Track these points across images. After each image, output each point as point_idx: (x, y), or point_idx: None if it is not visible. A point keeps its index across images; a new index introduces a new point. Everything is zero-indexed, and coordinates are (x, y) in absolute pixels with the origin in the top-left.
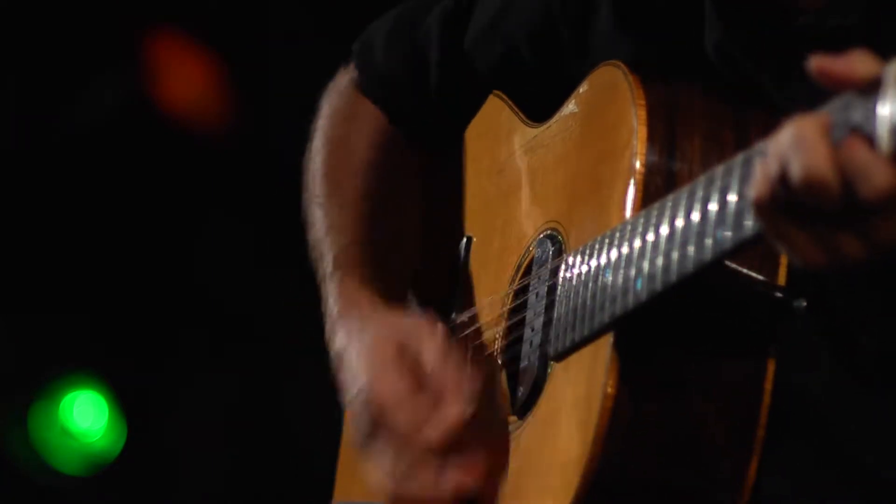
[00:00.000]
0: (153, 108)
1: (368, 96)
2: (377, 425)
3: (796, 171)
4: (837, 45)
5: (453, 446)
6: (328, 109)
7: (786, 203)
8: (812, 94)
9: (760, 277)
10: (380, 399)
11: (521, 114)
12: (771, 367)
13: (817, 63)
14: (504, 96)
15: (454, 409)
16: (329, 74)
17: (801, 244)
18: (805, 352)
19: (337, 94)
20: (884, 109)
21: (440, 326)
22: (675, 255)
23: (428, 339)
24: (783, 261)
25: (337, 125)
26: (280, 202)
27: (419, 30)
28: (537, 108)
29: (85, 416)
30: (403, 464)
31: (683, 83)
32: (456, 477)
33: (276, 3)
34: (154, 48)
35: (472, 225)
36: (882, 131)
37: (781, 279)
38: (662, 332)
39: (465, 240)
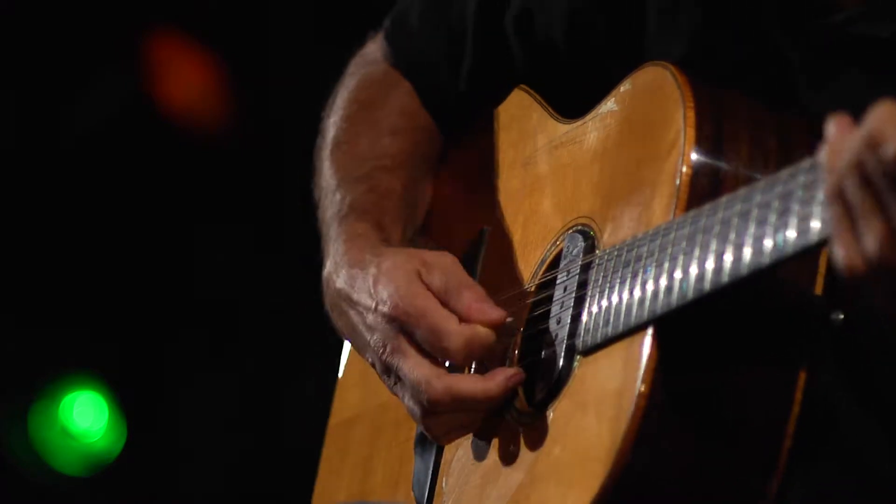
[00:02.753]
0: (153, 108)
1: (400, 69)
2: (404, 335)
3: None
4: (873, 49)
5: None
6: (356, 73)
7: (866, 181)
8: (847, 95)
9: (799, 287)
10: (405, 307)
11: (549, 108)
12: (802, 377)
13: None
14: (530, 90)
15: (483, 332)
16: (329, 74)
17: (874, 231)
18: (837, 365)
19: (367, 62)
20: None
21: (457, 262)
22: (728, 257)
23: (452, 273)
24: (821, 271)
25: (365, 88)
26: (280, 202)
27: (453, 10)
28: (567, 104)
29: (85, 417)
30: (434, 372)
31: (730, 88)
32: (502, 376)
33: (276, 3)
34: (154, 48)
35: (490, 216)
36: None
37: (819, 290)
38: (698, 334)
39: (481, 231)
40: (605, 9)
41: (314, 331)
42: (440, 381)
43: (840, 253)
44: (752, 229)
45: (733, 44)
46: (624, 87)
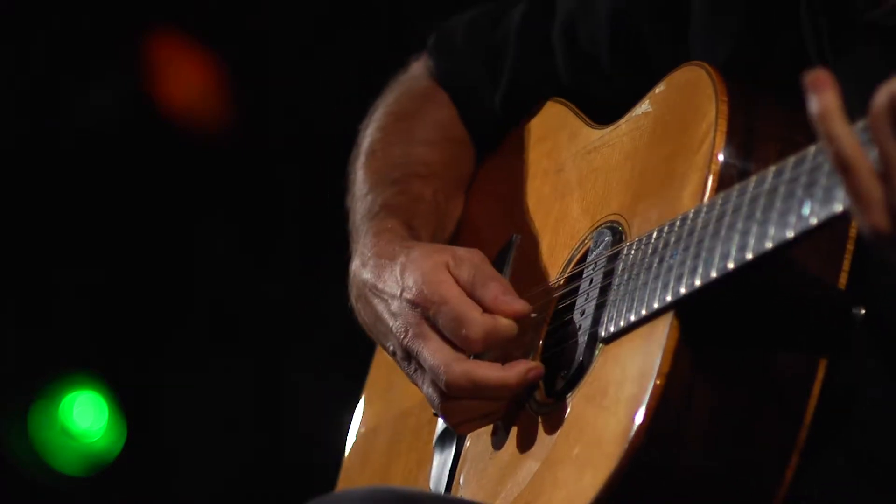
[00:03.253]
0: (153, 108)
1: (441, 83)
2: (427, 321)
3: None
4: None
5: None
6: (398, 87)
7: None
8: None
9: (822, 280)
10: (429, 293)
11: (584, 116)
12: (822, 370)
13: None
14: (565, 101)
15: (506, 323)
16: (329, 75)
17: None
18: (856, 360)
19: (409, 78)
20: None
21: (486, 259)
22: (753, 232)
23: (480, 267)
24: (846, 266)
25: (405, 100)
26: (280, 202)
27: (498, 28)
28: (607, 112)
29: (85, 416)
30: (454, 356)
31: (763, 85)
32: (522, 367)
33: (276, 3)
34: (154, 48)
35: (520, 224)
36: None
37: (842, 285)
38: (720, 321)
39: (511, 238)
40: (648, 13)
41: (314, 331)
42: (459, 366)
43: (860, 221)
44: (778, 204)
45: (776, 45)
46: (659, 89)
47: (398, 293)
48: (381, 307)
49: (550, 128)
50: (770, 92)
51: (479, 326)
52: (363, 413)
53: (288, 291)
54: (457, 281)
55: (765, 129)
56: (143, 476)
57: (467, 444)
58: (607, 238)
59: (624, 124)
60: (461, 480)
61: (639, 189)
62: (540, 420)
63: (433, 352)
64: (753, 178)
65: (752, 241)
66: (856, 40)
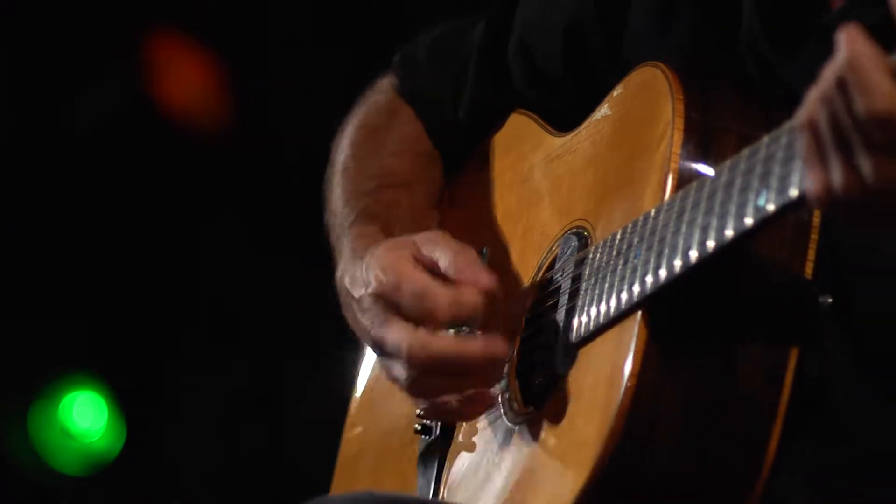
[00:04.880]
0: (153, 108)
1: (405, 99)
2: (392, 311)
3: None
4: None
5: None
6: (367, 102)
7: (839, 119)
8: None
9: (788, 271)
10: (387, 280)
11: (546, 125)
12: (793, 362)
13: None
14: (527, 112)
15: (471, 291)
16: (329, 75)
17: (840, 166)
18: (826, 349)
19: (377, 92)
20: None
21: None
22: (713, 225)
23: (443, 243)
24: (811, 256)
25: (374, 116)
26: (280, 202)
27: (461, 45)
28: (565, 120)
29: (85, 417)
30: (422, 331)
31: (720, 84)
32: (482, 339)
33: (276, 3)
34: (154, 48)
35: (489, 237)
36: None
37: (809, 274)
38: (688, 318)
39: (481, 251)
40: (599, 23)
41: (315, 331)
42: (416, 339)
43: (810, 184)
44: (735, 196)
45: (722, 50)
46: (616, 92)
47: (364, 291)
48: (355, 309)
49: (514, 139)
50: (726, 87)
51: (442, 297)
52: (348, 434)
53: (288, 292)
54: (421, 263)
55: (722, 125)
56: (143, 476)
57: (449, 459)
58: (574, 243)
59: (584, 130)
60: (445, 495)
61: (602, 192)
62: (518, 429)
63: (395, 332)
64: (709, 174)
65: (712, 233)
66: (808, 42)
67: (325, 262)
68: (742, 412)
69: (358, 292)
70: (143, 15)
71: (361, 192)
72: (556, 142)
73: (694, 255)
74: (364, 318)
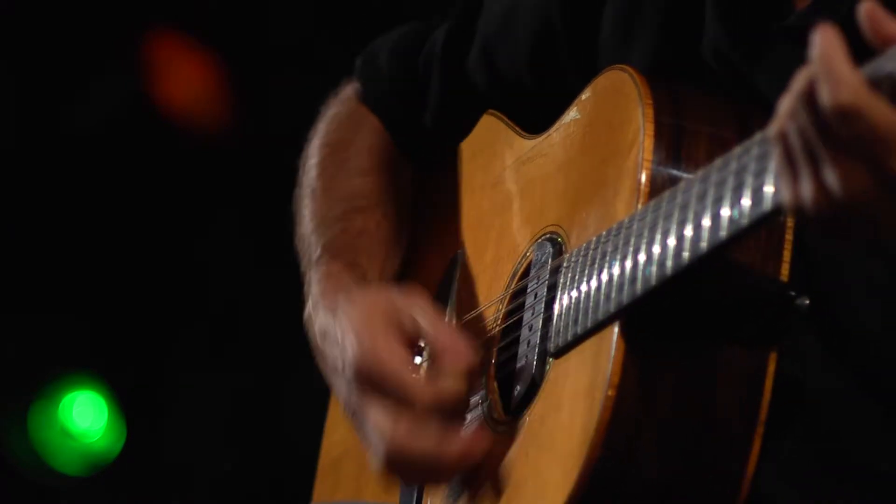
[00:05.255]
0: (153, 108)
1: (369, 107)
2: (369, 390)
3: (824, 93)
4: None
5: (454, 412)
6: (329, 114)
7: (807, 128)
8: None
9: (764, 274)
10: (370, 363)
11: (516, 128)
12: (772, 364)
13: (869, 11)
14: (498, 114)
15: (450, 378)
16: (329, 75)
17: (808, 178)
18: (805, 351)
19: (339, 102)
20: None
21: (428, 299)
22: (687, 237)
23: (419, 306)
24: (786, 257)
25: (337, 129)
26: (280, 202)
27: (423, 49)
28: (535, 121)
29: (85, 417)
30: (402, 426)
31: (688, 86)
32: (462, 440)
33: (276, 3)
34: (154, 48)
35: (462, 241)
36: None
37: (785, 276)
38: (665, 326)
39: (454, 256)
40: (565, 30)
41: None
42: (395, 441)
43: (782, 194)
44: (709, 208)
45: (688, 55)
46: (585, 95)
47: (339, 358)
48: (328, 366)
49: (485, 141)
50: (694, 89)
51: (422, 394)
52: (327, 443)
53: (289, 292)
54: (399, 331)
55: (692, 128)
56: (143, 476)
57: None
58: (548, 250)
59: (554, 133)
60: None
61: (574, 198)
62: (499, 441)
63: (375, 416)
64: (682, 184)
65: (687, 245)
66: (776, 46)
67: None
68: (724, 416)
69: (331, 352)
70: (143, 15)
71: (329, 217)
72: (527, 144)
73: (669, 265)
74: (339, 383)
